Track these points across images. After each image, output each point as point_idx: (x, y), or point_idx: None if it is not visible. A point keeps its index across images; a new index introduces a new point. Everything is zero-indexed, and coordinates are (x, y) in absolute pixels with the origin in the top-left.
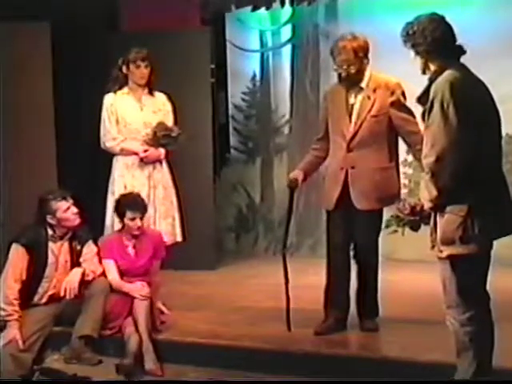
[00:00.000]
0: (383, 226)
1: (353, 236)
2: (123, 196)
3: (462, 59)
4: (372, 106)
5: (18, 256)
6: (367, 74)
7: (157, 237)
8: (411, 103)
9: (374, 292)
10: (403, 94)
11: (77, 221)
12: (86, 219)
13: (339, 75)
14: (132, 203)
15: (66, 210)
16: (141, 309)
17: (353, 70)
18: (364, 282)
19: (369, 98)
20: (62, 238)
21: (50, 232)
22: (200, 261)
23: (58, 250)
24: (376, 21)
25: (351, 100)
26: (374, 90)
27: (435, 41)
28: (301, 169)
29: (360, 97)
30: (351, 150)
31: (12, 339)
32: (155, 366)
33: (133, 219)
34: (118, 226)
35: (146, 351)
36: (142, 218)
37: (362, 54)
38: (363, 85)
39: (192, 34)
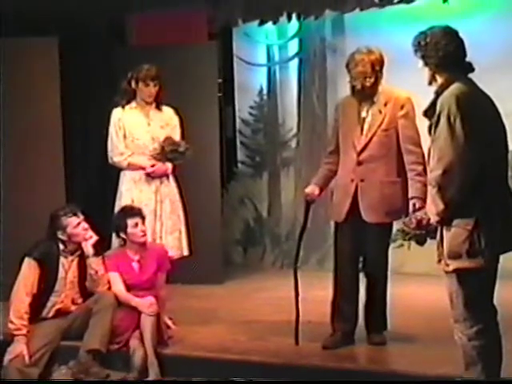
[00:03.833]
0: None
1: (362, 249)
2: (119, 211)
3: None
4: (383, 120)
5: (29, 270)
6: (380, 87)
7: (160, 250)
8: (418, 116)
9: (383, 306)
10: (413, 109)
11: (87, 236)
12: (96, 235)
13: (353, 88)
14: (129, 211)
15: (77, 226)
16: (147, 323)
17: (368, 83)
18: (373, 296)
19: (380, 112)
20: (72, 253)
21: (61, 247)
22: (207, 275)
23: (68, 265)
24: (382, 34)
25: (363, 113)
26: (385, 104)
27: (446, 55)
28: (316, 183)
29: (372, 110)
30: (361, 162)
31: (19, 354)
32: None
33: (136, 225)
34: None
35: (151, 366)
36: (143, 224)
37: (378, 67)
38: (375, 99)
39: (199, 48)
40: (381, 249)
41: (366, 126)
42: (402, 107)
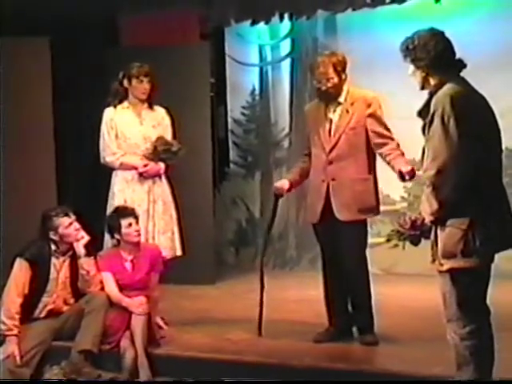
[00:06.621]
0: (384, 240)
1: (341, 247)
2: (112, 212)
3: (462, 73)
4: (350, 119)
5: (21, 270)
6: (345, 88)
7: (154, 250)
8: (411, 116)
9: (367, 305)
10: (380, 107)
11: (79, 236)
12: (88, 235)
13: (318, 90)
14: (123, 211)
15: (68, 226)
16: (138, 323)
17: (330, 83)
18: (356, 295)
19: (347, 111)
20: (64, 253)
21: (53, 247)
22: (200, 275)
23: (59, 266)
24: (374, 35)
25: (330, 115)
26: (352, 104)
27: (437, 55)
28: (287, 178)
29: (338, 110)
30: (331, 162)
31: (10, 354)
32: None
33: (129, 225)
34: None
35: (141, 366)
36: (137, 224)
37: (340, 68)
38: (341, 99)
39: (191, 48)
40: (357, 247)
41: (333, 127)
42: (368, 106)
